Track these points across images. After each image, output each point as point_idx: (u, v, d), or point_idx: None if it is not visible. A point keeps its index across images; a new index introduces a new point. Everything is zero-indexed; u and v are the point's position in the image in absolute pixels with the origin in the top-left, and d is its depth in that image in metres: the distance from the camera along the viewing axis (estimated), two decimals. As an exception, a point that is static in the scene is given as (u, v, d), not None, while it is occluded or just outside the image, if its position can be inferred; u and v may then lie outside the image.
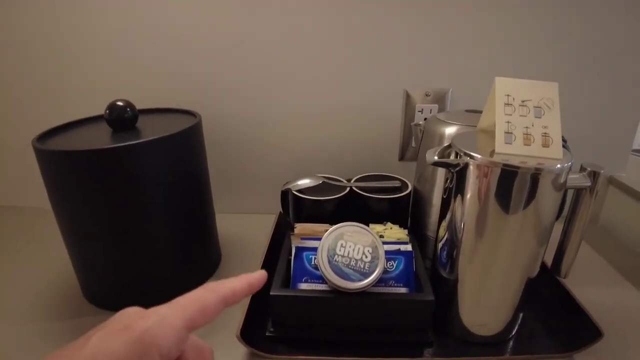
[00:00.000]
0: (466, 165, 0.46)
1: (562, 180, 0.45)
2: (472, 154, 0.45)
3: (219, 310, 0.31)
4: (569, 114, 0.73)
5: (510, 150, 0.45)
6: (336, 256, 0.51)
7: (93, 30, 0.77)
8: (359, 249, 0.51)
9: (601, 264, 0.73)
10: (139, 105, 0.63)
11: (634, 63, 0.78)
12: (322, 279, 0.54)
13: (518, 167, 0.43)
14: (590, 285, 0.66)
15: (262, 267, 0.61)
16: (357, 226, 0.54)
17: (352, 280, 0.50)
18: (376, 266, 0.50)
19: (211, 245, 0.71)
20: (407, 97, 0.79)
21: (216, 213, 0.73)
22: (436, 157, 0.48)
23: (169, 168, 0.58)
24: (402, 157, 0.84)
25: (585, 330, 0.54)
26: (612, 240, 0.83)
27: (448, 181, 0.52)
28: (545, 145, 0.45)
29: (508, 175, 0.44)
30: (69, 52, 0.78)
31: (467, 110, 0.66)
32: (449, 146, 0.50)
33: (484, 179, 0.45)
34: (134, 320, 0.27)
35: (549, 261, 0.55)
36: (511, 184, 0.44)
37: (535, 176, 0.44)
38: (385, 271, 0.54)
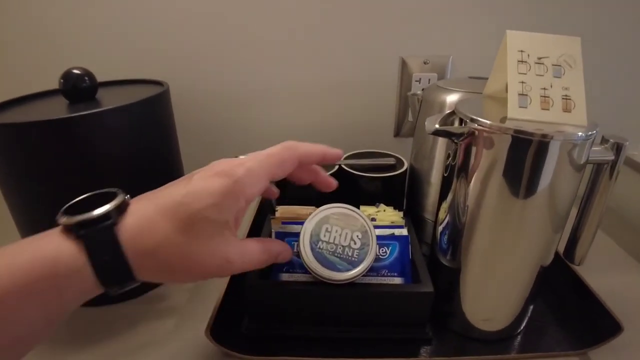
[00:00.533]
0: (472, 134, 0.39)
1: (585, 152, 0.38)
2: (479, 119, 0.38)
3: (294, 166, 0.38)
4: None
5: (525, 115, 0.38)
6: (320, 243, 0.44)
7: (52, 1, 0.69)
8: (346, 234, 0.44)
9: (615, 250, 0.67)
10: (103, 79, 0.56)
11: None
12: (305, 269, 0.47)
13: (533, 134, 0.36)
14: (605, 273, 0.59)
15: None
16: (345, 208, 0.46)
17: (339, 270, 0.43)
18: (366, 254, 0.44)
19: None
20: (403, 65, 0.71)
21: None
22: (437, 126, 0.41)
23: (132, 142, 0.51)
24: (397, 133, 0.77)
25: (602, 324, 0.48)
26: (625, 224, 0.76)
27: (450, 157, 0.44)
28: (566, 109, 0.38)
29: (521, 144, 0.37)
30: (26, 23, 0.70)
31: (470, 77, 0.58)
32: (452, 113, 0.43)
33: (493, 150, 0.38)
34: (229, 168, 0.34)
35: (560, 247, 0.48)
36: (524, 156, 0.37)
37: (554, 146, 0.37)
38: (377, 259, 0.47)
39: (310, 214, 0.46)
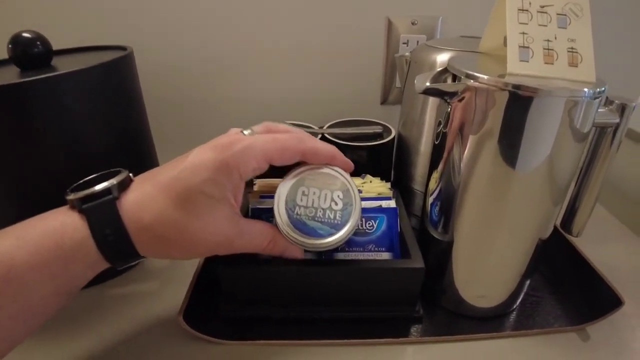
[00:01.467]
0: (467, 91, 0.35)
1: (592, 112, 0.35)
2: (476, 74, 0.34)
3: (295, 159, 0.38)
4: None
5: (527, 69, 0.34)
6: (297, 208, 0.39)
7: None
8: (325, 195, 0.39)
9: (613, 223, 0.64)
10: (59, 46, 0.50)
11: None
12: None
13: (536, 90, 0.32)
14: (602, 246, 0.56)
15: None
16: (321, 167, 0.41)
17: (320, 236, 0.38)
18: (350, 214, 0.39)
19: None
20: (390, 26, 0.66)
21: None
22: (428, 83, 0.36)
23: (93, 111, 0.46)
24: (384, 101, 0.72)
25: (601, 298, 0.45)
26: (621, 195, 0.73)
27: (442, 124, 0.40)
28: (572, 63, 0.34)
29: (522, 101, 0.33)
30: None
31: (462, 36, 0.54)
32: (445, 70, 0.38)
33: (490, 110, 0.34)
34: (228, 143, 0.35)
35: (557, 218, 0.45)
36: (525, 115, 0.33)
37: (559, 103, 0.33)
38: (364, 233, 0.44)
39: None
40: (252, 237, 0.37)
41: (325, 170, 0.40)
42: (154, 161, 0.58)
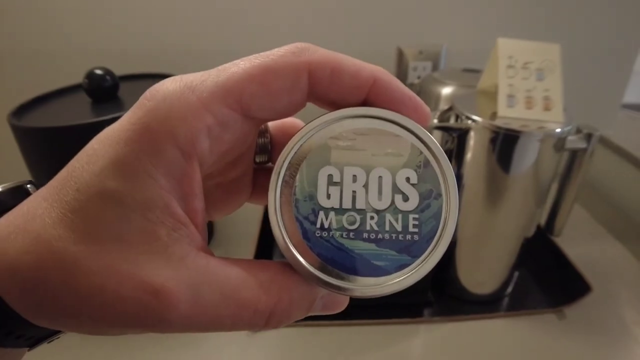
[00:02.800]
0: (468, 129, 0.46)
1: (562, 143, 0.46)
2: (474, 117, 0.45)
3: (296, 86, 0.17)
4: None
5: (512, 113, 0.45)
6: (325, 218, 0.18)
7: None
8: (380, 180, 0.18)
9: (589, 223, 0.75)
10: (119, 71, 0.60)
11: (620, 15, 0.77)
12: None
13: (520, 132, 0.43)
14: (580, 243, 0.67)
15: (260, 239, 0.61)
16: (367, 117, 0.18)
17: (382, 272, 0.17)
18: (438, 215, 0.18)
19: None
20: (400, 54, 0.77)
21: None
22: (436, 121, 0.47)
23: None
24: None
25: (575, 285, 0.56)
26: (599, 198, 0.84)
27: (448, 142, 0.51)
28: (546, 108, 0.45)
29: (510, 139, 0.44)
30: (43, 18, 0.74)
31: (464, 70, 0.64)
32: (450, 109, 0.49)
33: (486, 142, 0.45)
34: (155, 91, 0.16)
35: (542, 221, 0.56)
36: (512, 148, 0.44)
37: (537, 140, 0.44)
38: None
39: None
40: (224, 295, 0.16)
41: (377, 124, 0.18)
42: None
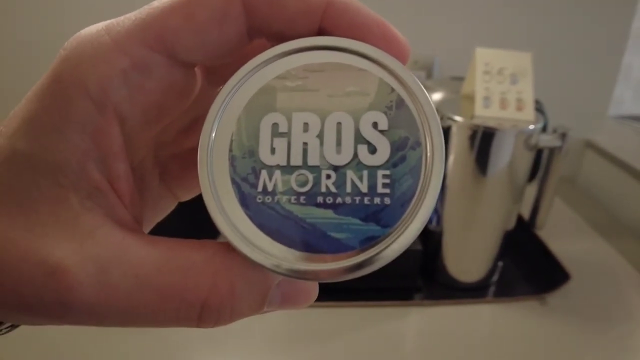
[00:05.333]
0: (449, 128, 0.51)
1: (534, 140, 0.51)
2: (455, 117, 0.50)
3: (221, 13, 0.13)
4: (549, 78, 0.79)
5: (488, 113, 0.50)
6: (271, 178, 0.13)
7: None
8: (339, 127, 0.14)
9: (577, 221, 0.79)
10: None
11: (610, 22, 0.82)
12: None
13: (495, 129, 0.49)
14: (565, 238, 0.72)
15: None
16: (321, 48, 0.14)
17: (338, 247, 0.13)
18: (417, 169, 0.13)
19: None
20: (396, 66, 0.83)
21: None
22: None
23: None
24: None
25: (556, 274, 0.61)
26: (588, 199, 0.89)
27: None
28: (519, 109, 0.50)
29: (487, 136, 0.49)
30: (42, 18, 0.80)
31: (452, 78, 0.70)
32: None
33: (466, 139, 0.51)
34: (72, 37, 0.14)
35: (527, 216, 0.61)
36: (489, 144, 0.50)
37: (510, 136, 0.49)
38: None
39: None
40: (156, 288, 0.13)
41: (333, 56, 0.14)
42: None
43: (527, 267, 0.65)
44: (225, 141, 0.14)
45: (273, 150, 0.13)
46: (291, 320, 0.55)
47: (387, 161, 0.13)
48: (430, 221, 0.60)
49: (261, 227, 0.13)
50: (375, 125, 0.14)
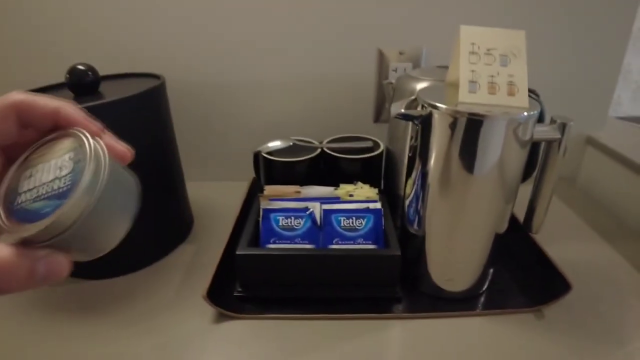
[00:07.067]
0: (430, 116, 0.45)
1: (528, 130, 0.44)
2: (435, 104, 0.44)
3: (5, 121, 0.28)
4: (549, 78, 0.73)
5: (475, 99, 0.44)
6: (20, 197, 0.28)
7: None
8: (51, 166, 0.29)
9: (577, 224, 0.73)
10: (102, 72, 0.61)
11: (616, 16, 0.76)
12: (290, 239, 0.53)
13: (483, 116, 0.42)
14: (564, 243, 0.66)
15: (234, 230, 0.61)
16: (55, 137, 0.30)
17: (43, 215, 0.26)
18: (82, 171, 0.27)
19: (182, 211, 0.70)
20: (381, 55, 0.77)
21: (190, 181, 0.73)
22: (402, 110, 0.46)
23: (132, 132, 0.56)
24: (377, 119, 0.82)
25: (554, 284, 0.54)
26: (590, 200, 0.83)
27: (413, 138, 0.50)
28: (511, 94, 0.44)
29: (472, 124, 0.43)
30: (27, 19, 0.75)
31: (438, 66, 0.64)
32: (414, 100, 0.48)
33: (448, 129, 0.44)
34: None
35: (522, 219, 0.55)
36: (476, 134, 0.43)
37: (501, 125, 0.42)
38: (353, 229, 0.53)
39: (295, 192, 0.47)
40: None
41: (59, 139, 0.30)
42: (178, 171, 0.68)
43: (521, 275, 0.59)
44: (2, 191, 0.29)
45: (26, 185, 0.28)
46: (261, 333, 0.50)
47: (70, 171, 0.27)
48: (410, 223, 0.53)
49: (17, 219, 0.27)
50: (68, 157, 0.28)
